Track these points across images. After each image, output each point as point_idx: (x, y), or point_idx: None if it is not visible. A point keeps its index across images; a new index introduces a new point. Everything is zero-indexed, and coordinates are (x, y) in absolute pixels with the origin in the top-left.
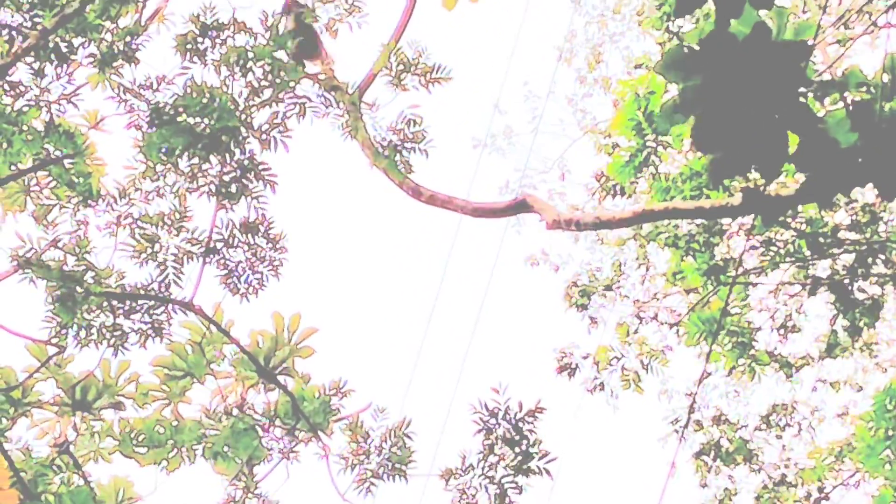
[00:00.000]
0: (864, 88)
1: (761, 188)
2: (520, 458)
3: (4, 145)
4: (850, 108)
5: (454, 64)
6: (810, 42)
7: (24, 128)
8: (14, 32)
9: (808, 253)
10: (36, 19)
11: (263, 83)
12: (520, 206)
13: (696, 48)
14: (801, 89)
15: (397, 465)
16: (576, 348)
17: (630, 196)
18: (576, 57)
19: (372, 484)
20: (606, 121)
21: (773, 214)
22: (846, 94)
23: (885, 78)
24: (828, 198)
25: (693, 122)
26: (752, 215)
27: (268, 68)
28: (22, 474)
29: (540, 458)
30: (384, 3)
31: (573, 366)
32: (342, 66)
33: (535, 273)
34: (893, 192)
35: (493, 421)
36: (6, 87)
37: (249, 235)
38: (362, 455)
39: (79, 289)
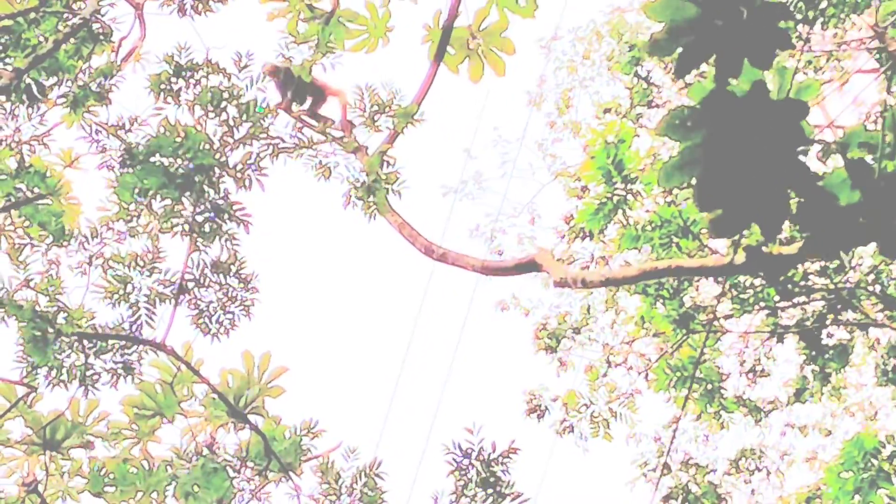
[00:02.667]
0: (864, 148)
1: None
2: (492, 498)
3: None
4: (851, 166)
5: (425, 108)
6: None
7: None
8: None
9: (777, 299)
10: (7, 60)
11: (238, 121)
12: (530, 266)
13: (697, 107)
14: (800, 148)
15: None
16: (545, 391)
17: (598, 242)
18: (546, 102)
19: None
20: (576, 165)
21: (776, 272)
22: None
23: (887, 137)
24: (831, 255)
25: (695, 181)
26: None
27: (242, 108)
28: None
29: (513, 500)
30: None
31: (542, 408)
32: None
33: (505, 317)
34: (895, 249)
35: (465, 461)
36: None
37: (221, 275)
38: (333, 495)
39: (50, 329)
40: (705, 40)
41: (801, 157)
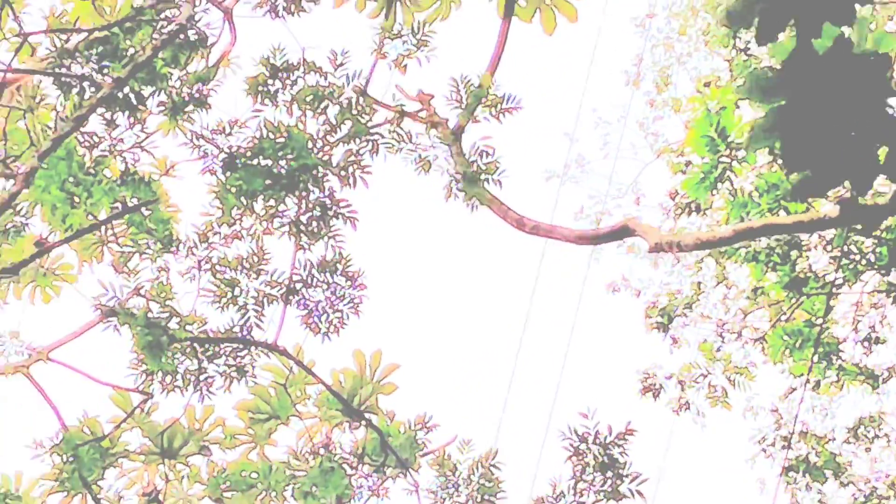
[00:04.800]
0: None
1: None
2: (611, 481)
3: (84, 196)
4: None
5: (524, 94)
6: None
7: (101, 178)
8: (86, 84)
9: (890, 261)
10: (105, 70)
11: (339, 119)
12: (622, 231)
13: (778, 68)
14: (887, 100)
15: (486, 497)
16: (659, 369)
17: (705, 213)
18: (644, 80)
19: None
20: (678, 141)
21: (871, 224)
22: None
23: None
24: None
25: (781, 143)
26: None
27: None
28: None
29: (631, 481)
30: (450, 36)
31: (658, 386)
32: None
33: (617, 298)
34: None
35: (583, 446)
36: (80, 138)
37: (328, 274)
38: (451, 488)
39: (164, 335)
40: (782, 4)
41: (888, 109)
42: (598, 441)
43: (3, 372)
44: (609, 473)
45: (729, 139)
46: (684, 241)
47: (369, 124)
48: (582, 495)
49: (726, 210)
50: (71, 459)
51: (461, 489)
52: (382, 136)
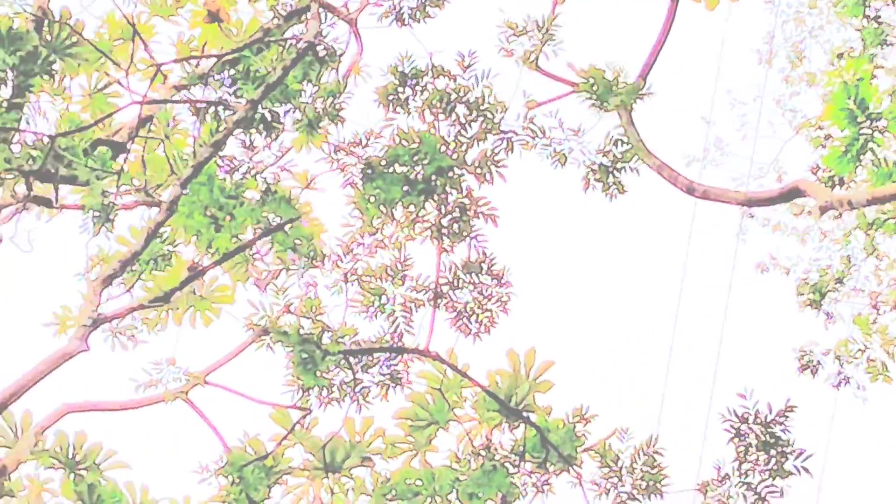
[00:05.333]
0: None
1: None
2: (775, 460)
3: (228, 219)
4: None
5: (657, 79)
6: None
7: (243, 200)
8: (220, 108)
9: None
10: (238, 92)
11: (470, 118)
12: (792, 193)
13: None
14: None
15: (651, 484)
16: (815, 346)
17: (849, 187)
18: (777, 57)
19: None
20: (817, 116)
21: None
22: None
23: None
24: None
25: None
26: None
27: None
28: None
29: (796, 458)
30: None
31: (815, 363)
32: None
33: (767, 278)
34: None
35: (743, 427)
36: (219, 162)
37: (473, 275)
38: (614, 478)
39: (317, 350)
40: None
41: None
42: (758, 420)
43: (164, 398)
44: (773, 452)
45: (868, 110)
46: (856, 198)
47: (500, 123)
48: (747, 476)
49: (870, 181)
50: (237, 480)
51: (625, 478)
52: (516, 134)
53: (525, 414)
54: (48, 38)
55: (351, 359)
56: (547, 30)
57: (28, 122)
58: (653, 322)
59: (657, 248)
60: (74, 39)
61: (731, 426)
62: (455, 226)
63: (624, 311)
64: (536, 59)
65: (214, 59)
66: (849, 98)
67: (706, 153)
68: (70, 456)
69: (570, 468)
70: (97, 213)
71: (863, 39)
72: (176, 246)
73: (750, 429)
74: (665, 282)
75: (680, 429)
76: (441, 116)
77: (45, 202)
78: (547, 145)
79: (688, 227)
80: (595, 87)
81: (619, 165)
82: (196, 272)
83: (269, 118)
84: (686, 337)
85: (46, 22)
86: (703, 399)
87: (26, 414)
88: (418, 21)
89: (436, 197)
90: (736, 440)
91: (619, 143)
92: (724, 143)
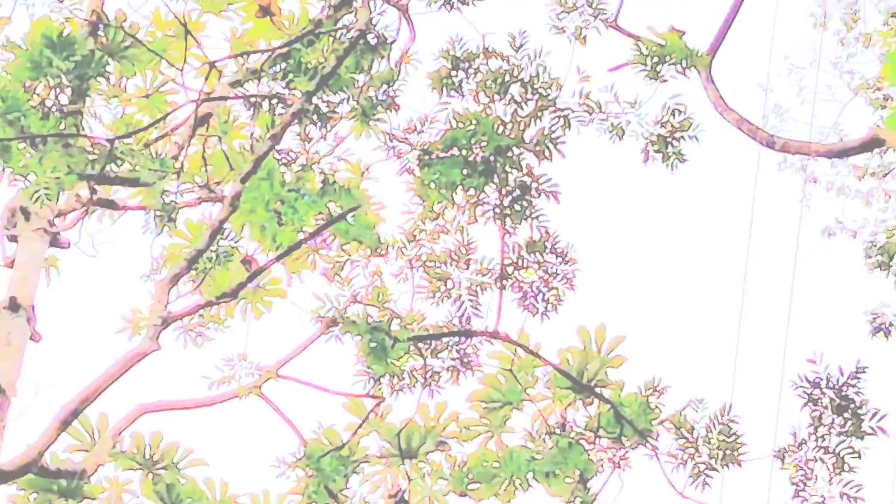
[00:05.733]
0: None
1: None
2: (851, 422)
3: (290, 212)
4: None
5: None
6: None
7: (304, 192)
8: (275, 101)
9: None
10: (292, 85)
11: (525, 97)
12: (872, 143)
13: None
14: None
15: (727, 453)
16: (886, 307)
17: None
18: (831, 20)
19: (707, 476)
20: (875, 77)
21: None
22: None
23: None
24: None
25: None
26: None
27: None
28: None
29: (871, 418)
30: None
31: (888, 325)
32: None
33: (833, 243)
34: None
35: (816, 391)
36: (277, 155)
37: (537, 254)
38: (691, 449)
39: (387, 338)
40: None
41: None
42: (830, 385)
43: (238, 394)
44: (847, 414)
45: None
46: None
47: (556, 100)
48: (824, 440)
49: None
50: (314, 472)
51: (701, 449)
52: (572, 110)
53: (598, 390)
54: (103, 41)
55: (420, 345)
56: (596, 5)
57: (86, 127)
58: (720, 291)
59: (720, 218)
60: (129, 42)
61: (804, 392)
62: (516, 205)
63: (690, 282)
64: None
65: (267, 54)
66: None
67: (765, 120)
68: (147, 456)
69: (646, 441)
70: (159, 213)
71: None
72: (239, 241)
73: (823, 393)
74: (730, 251)
75: (753, 396)
76: (496, 97)
77: (109, 204)
78: (604, 120)
79: (750, 196)
80: (652, 58)
81: (677, 135)
82: (261, 267)
83: (324, 109)
84: (754, 305)
85: (101, 25)
86: (775, 365)
87: (102, 417)
88: (467, 4)
89: (496, 178)
90: (810, 405)
91: (677, 112)
92: (782, 109)
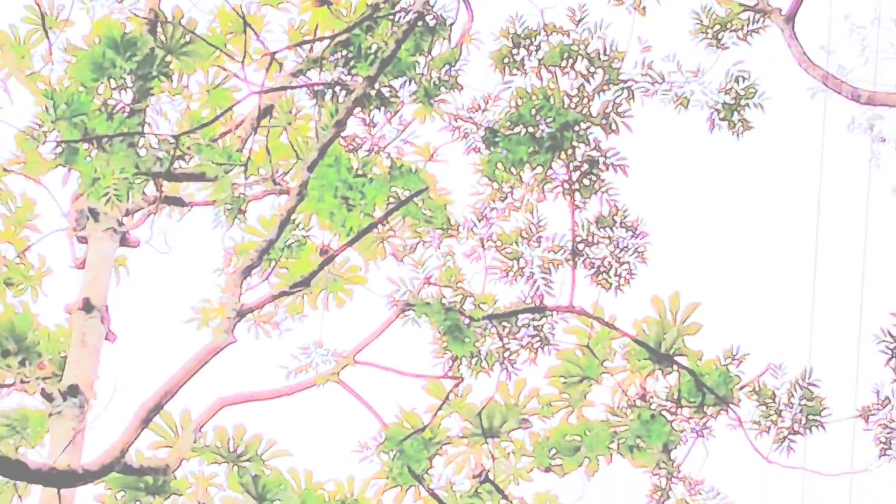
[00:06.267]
0: None
1: None
2: None
3: (358, 198)
4: None
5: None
6: None
7: (371, 177)
8: (338, 89)
9: None
10: (354, 71)
11: (590, 70)
12: None
13: None
14: None
15: (811, 416)
16: None
17: None
18: None
19: (791, 441)
20: None
21: None
22: None
23: None
24: None
25: None
26: None
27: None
28: None
29: None
30: None
31: None
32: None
33: None
34: None
35: None
36: (342, 142)
37: (608, 229)
38: (773, 415)
39: (462, 317)
40: None
41: None
42: None
43: (316, 382)
44: None
45: None
46: None
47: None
48: None
49: None
50: (398, 455)
51: (784, 414)
52: (636, 82)
53: (676, 359)
54: (163, 39)
55: (496, 324)
56: None
57: (152, 124)
58: (792, 254)
59: (789, 182)
60: (188, 38)
61: (887, 347)
62: (585, 180)
63: (762, 248)
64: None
65: (327, 42)
66: None
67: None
68: (231, 449)
69: (728, 409)
70: (229, 206)
71: None
72: (309, 230)
73: None
74: (800, 214)
75: (832, 357)
76: (559, 73)
77: (177, 202)
78: (668, 90)
79: (818, 158)
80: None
81: (742, 102)
82: (332, 254)
83: (387, 93)
84: (827, 267)
85: (160, 23)
86: (851, 325)
87: (184, 412)
88: None
89: (563, 153)
90: (893, 361)
91: (741, 79)
92: (846, 69)
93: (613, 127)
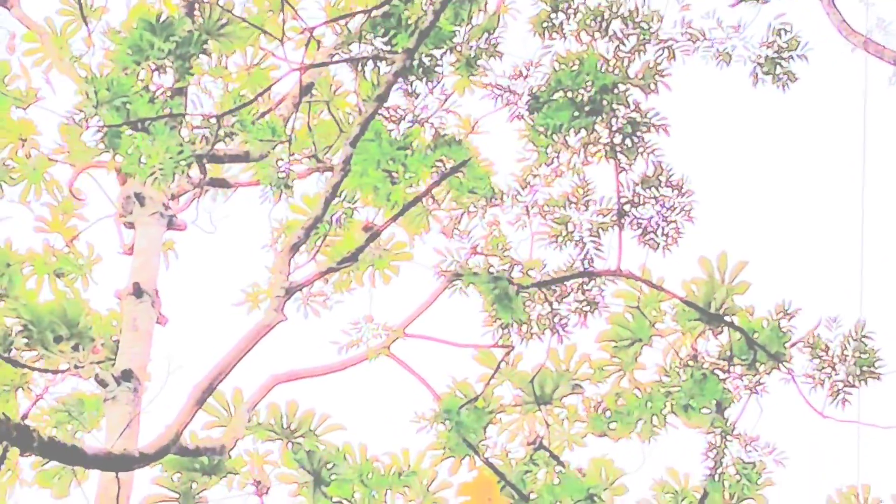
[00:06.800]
0: None
1: None
2: None
3: (401, 170)
4: None
5: None
6: None
7: (413, 149)
8: (377, 61)
9: None
10: (393, 43)
11: (627, 32)
12: None
13: None
14: None
15: (865, 369)
16: None
17: None
18: None
19: (846, 393)
20: None
21: None
22: None
23: None
24: None
25: None
26: None
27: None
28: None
29: None
30: None
31: None
32: None
33: None
34: None
35: None
36: (385, 115)
37: (653, 189)
38: (827, 368)
39: (510, 285)
40: None
41: None
42: None
43: (368, 356)
44: None
45: None
46: None
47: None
48: None
49: None
50: (453, 426)
51: (837, 367)
52: (675, 41)
53: (727, 318)
54: (201, 20)
55: (545, 290)
56: None
57: (196, 105)
58: (839, 209)
59: (833, 136)
60: (225, 19)
61: None
62: (628, 142)
63: (808, 202)
64: None
65: (365, 15)
66: None
67: (869, 34)
68: (285, 426)
69: (780, 365)
70: (275, 183)
71: None
72: (355, 203)
73: None
74: (845, 167)
75: (883, 309)
76: (597, 35)
77: (222, 183)
78: (709, 47)
79: (861, 111)
80: None
81: (785, 55)
82: (378, 229)
83: (428, 63)
84: (875, 220)
85: (196, 4)
86: None
87: (236, 391)
88: None
89: (604, 116)
90: None
91: (783, 32)
92: (885, 22)
93: (652, 87)
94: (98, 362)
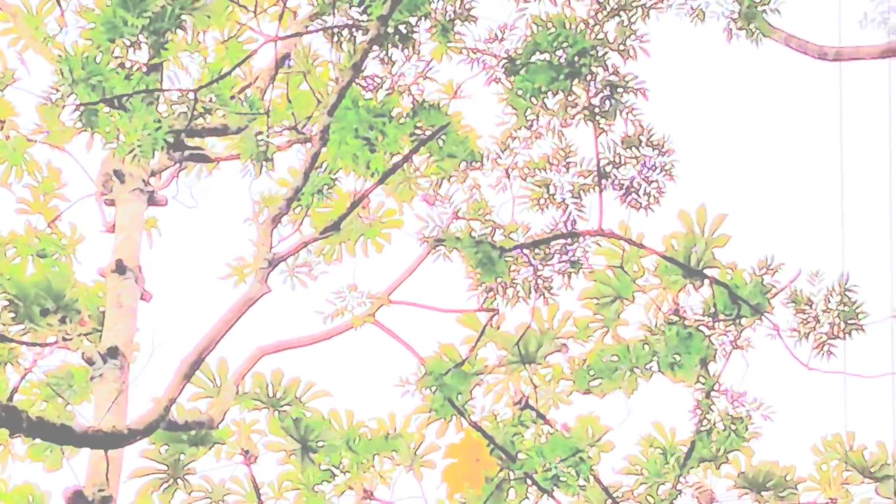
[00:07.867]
0: None
1: None
2: None
3: (380, 137)
4: None
5: None
6: None
7: (391, 116)
8: (352, 30)
9: None
10: (369, 11)
11: None
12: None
13: None
14: None
15: (849, 321)
16: None
17: None
18: None
19: (831, 345)
20: None
21: None
22: None
23: None
24: None
25: None
26: None
27: None
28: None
29: None
30: None
31: None
32: None
33: None
34: None
35: None
36: (362, 83)
37: (633, 149)
38: (811, 321)
39: (493, 249)
40: None
41: None
42: None
43: (353, 325)
44: None
45: None
46: None
47: None
48: None
49: None
50: (438, 388)
51: (821, 320)
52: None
53: (707, 272)
54: None
55: (528, 252)
56: None
57: (172, 80)
58: (818, 161)
59: (809, 86)
60: None
61: None
62: (607, 103)
63: (787, 156)
64: None
65: None
66: None
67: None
68: (271, 395)
69: (763, 317)
70: (255, 156)
71: None
72: (336, 173)
73: None
74: (823, 117)
75: (865, 260)
76: None
77: (202, 158)
78: (682, 4)
79: (836, 72)
80: None
81: (758, 9)
82: (359, 196)
83: (404, 30)
84: (854, 170)
85: None
86: (882, 227)
87: (222, 362)
88: None
89: (582, 79)
90: None
91: None
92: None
93: (631, 53)
94: (86, 334)
